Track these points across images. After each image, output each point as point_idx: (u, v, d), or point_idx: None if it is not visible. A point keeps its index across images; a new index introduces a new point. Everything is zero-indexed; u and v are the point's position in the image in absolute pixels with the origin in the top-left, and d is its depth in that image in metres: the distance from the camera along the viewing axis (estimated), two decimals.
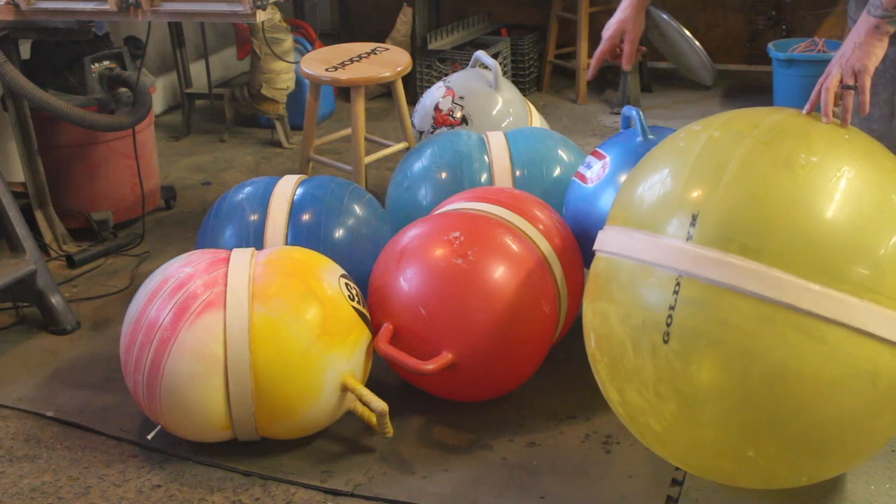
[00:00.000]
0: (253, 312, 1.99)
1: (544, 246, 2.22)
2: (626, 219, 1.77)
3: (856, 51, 1.72)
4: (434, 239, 2.16)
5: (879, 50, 1.72)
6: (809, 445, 1.64)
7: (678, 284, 1.61)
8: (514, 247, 2.15)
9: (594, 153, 2.41)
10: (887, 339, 1.56)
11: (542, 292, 2.15)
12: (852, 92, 1.70)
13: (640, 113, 2.39)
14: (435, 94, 3.21)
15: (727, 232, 1.59)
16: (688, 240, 1.61)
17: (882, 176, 1.65)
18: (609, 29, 2.18)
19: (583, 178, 2.39)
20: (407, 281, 2.13)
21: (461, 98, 3.13)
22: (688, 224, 1.62)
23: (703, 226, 1.61)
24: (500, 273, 2.10)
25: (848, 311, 1.54)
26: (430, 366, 2.05)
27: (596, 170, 2.36)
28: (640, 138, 2.35)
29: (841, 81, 1.73)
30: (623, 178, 2.29)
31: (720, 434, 1.65)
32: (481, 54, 3.29)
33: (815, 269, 1.54)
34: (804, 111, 1.75)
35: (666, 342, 1.62)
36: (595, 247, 1.84)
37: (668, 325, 1.62)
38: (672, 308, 1.61)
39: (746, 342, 1.57)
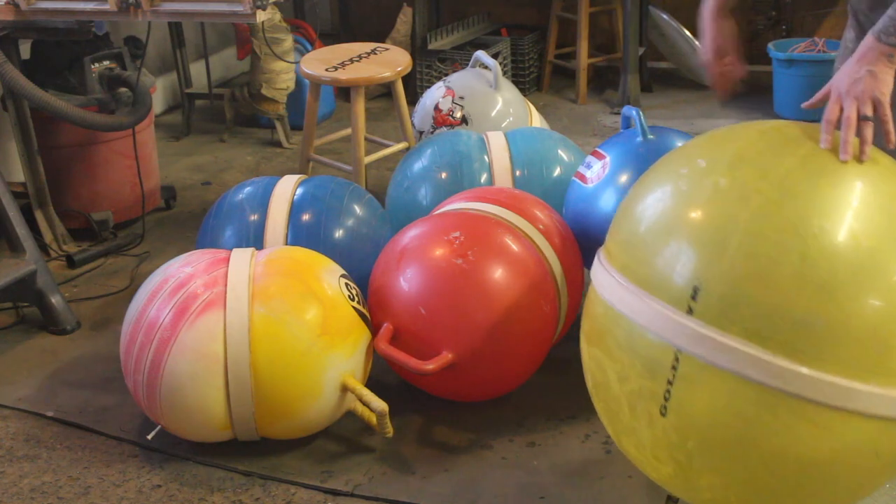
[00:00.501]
0: (253, 312, 1.99)
1: (544, 246, 2.22)
2: (625, 264, 1.64)
3: (868, 80, 1.58)
4: (434, 239, 2.16)
5: (891, 78, 1.60)
6: None
7: (677, 360, 1.52)
8: (515, 247, 2.15)
9: (594, 153, 2.41)
10: (892, 417, 1.49)
11: (542, 292, 2.15)
12: (871, 123, 1.57)
13: (640, 113, 2.38)
14: (435, 94, 3.21)
15: (730, 312, 1.47)
16: (688, 313, 1.50)
17: None
18: (707, 54, 2.03)
19: (583, 178, 2.39)
20: (407, 281, 2.13)
21: (461, 98, 3.14)
22: (689, 296, 1.50)
23: (705, 301, 1.49)
24: (500, 273, 2.10)
25: (854, 397, 1.45)
26: (430, 366, 2.05)
27: (596, 170, 2.36)
28: (639, 138, 2.35)
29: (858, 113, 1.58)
30: (623, 178, 2.29)
31: (717, 498, 1.62)
32: (481, 54, 3.29)
33: (822, 357, 1.44)
34: (822, 144, 1.55)
35: (664, 415, 1.55)
36: (592, 280, 1.74)
37: (666, 399, 1.54)
38: (670, 383, 1.53)
39: (746, 427, 1.50)
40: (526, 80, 4.70)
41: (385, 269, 2.20)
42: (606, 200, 2.29)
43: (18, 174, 3.20)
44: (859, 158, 1.54)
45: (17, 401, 2.37)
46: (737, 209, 1.50)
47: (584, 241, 2.32)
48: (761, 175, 1.52)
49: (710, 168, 1.58)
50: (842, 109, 1.59)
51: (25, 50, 3.13)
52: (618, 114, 4.39)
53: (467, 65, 3.40)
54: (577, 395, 2.26)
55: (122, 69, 3.16)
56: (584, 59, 4.57)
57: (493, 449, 2.12)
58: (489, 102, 3.14)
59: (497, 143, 2.70)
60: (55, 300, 2.68)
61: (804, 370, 1.44)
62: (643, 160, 2.30)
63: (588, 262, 2.35)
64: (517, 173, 2.64)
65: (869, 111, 1.57)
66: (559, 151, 2.71)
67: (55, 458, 2.15)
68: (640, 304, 1.56)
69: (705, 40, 2.00)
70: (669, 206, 1.60)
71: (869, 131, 1.56)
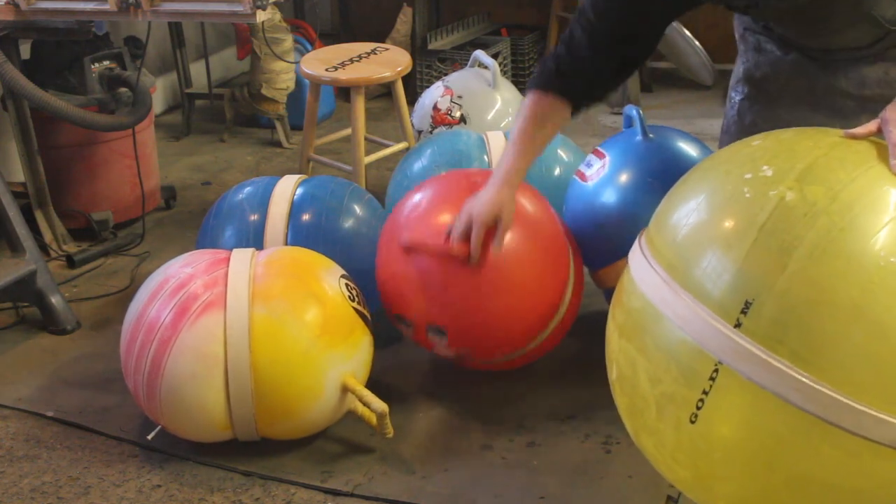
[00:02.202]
0: (253, 313, 1.99)
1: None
2: (671, 262, 1.57)
3: None
4: (455, 184, 2.24)
5: None
6: None
7: (716, 371, 1.48)
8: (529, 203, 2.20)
9: (594, 152, 2.42)
10: None
11: (557, 244, 2.20)
12: None
13: (641, 112, 2.38)
14: (434, 94, 3.21)
15: (780, 333, 1.43)
16: (736, 326, 1.46)
17: None
18: (479, 212, 2.03)
19: (582, 176, 2.40)
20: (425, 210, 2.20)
21: (459, 97, 3.14)
22: (739, 310, 1.45)
23: (756, 317, 1.44)
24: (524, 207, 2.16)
25: (891, 433, 1.41)
26: (454, 246, 2.04)
27: (596, 168, 2.36)
28: (639, 137, 2.35)
29: None
30: (623, 177, 2.29)
31: None
32: (480, 53, 3.30)
33: (865, 387, 1.41)
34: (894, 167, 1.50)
35: (693, 423, 1.51)
36: (630, 264, 1.68)
37: (699, 408, 1.50)
38: (706, 393, 1.49)
39: (777, 447, 1.47)
40: (526, 80, 4.68)
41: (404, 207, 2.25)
42: (605, 199, 2.29)
43: (18, 174, 3.20)
44: None
45: (17, 401, 2.37)
46: (802, 229, 1.44)
47: (583, 238, 2.32)
48: (832, 196, 1.46)
49: (776, 178, 1.51)
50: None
51: (25, 50, 3.13)
52: (618, 114, 4.39)
53: (467, 65, 3.41)
54: (577, 395, 2.26)
55: (122, 69, 3.16)
56: None
57: (493, 449, 2.12)
58: (488, 101, 3.14)
59: (497, 143, 2.70)
60: (55, 300, 2.68)
61: (849, 402, 1.40)
62: (643, 159, 2.30)
63: (587, 261, 2.37)
64: None
65: None
66: (559, 151, 2.71)
67: (55, 458, 2.15)
68: (685, 308, 1.51)
69: (486, 196, 2.06)
70: (729, 211, 1.54)
71: None
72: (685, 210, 1.59)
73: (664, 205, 1.66)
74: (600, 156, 2.37)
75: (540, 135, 2.01)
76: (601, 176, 2.33)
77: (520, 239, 2.12)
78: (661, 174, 2.17)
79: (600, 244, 2.27)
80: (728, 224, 1.51)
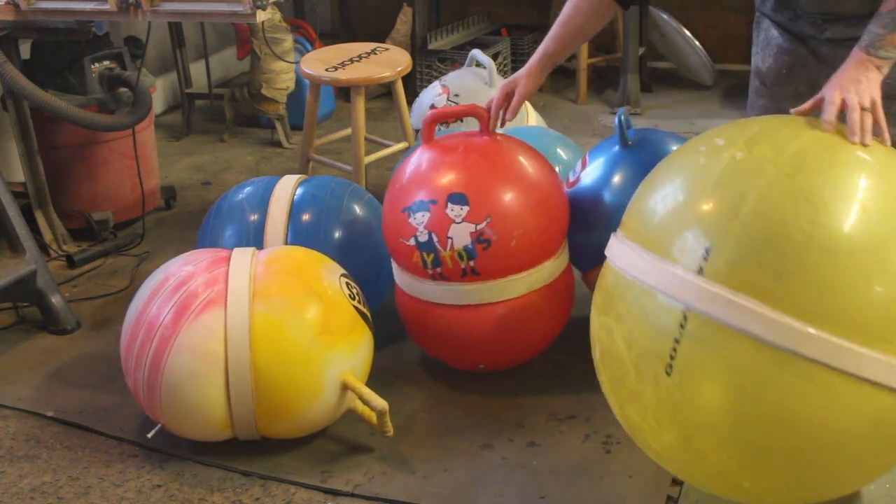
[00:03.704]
0: (253, 311, 1.99)
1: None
2: (638, 232, 1.71)
3: (865, 83, 1.74)
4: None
5: (879, 85, 1.77)
6: (806, 481, 1.62)
7: (685, 318, 1.57)
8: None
9: (582, 159, 2.45)
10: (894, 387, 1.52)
11: (555, 188, 2.27)
12: (870, 114, 1.70)
13: (625, 117, 2.37)
14: (431, 93, 3.21)
15: (739, 271, 1.52)
16: (699, 273, 1.56)
17: None
18: (505, 83, 2.26)
19: (568, 182, 2.44)
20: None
21: (456, 96, 3.13)
22: (700, 257, 1.56)
23: (716, 261, 1.55)
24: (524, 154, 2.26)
25: (856, 360, 1.48)
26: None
27: (578, 175, 2.40)
28: (616, 147, 2.36)
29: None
30: (601, 184, 2.33)
31: (717, 464, 1.64)
32: (477, 52, 3.30)
33: (826, 316, 1.48)
34: (824, 126, 1.68)
35: (668, 374, 1.59)
36: (606, 252, 1.80)
37: (672, 357, 1.58)
38: (677, 341, 1.57)
39: (748, 384, 1.53)
40: None
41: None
42: (587, 205, 2.33)
43: (18, 174, 3.20)
44: (863, 142, 1.65)
45: (17, 401, 2.37)
46: (752, 178, 1.57)
47: (571, 243, 2.36)
48: (778, 150, 1.60)
49: (728, 145, 1.66)
50: (843, 101, 1.71)
51: (25, 50, 3.13)
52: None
53: (464, 64, 3.41)
54: (577, 395, 2.27)
55: (122, 69, 3.16)
56: (584, 59, 4.57)
57: (493, 449, 2.12)
58: (484, 100, 3.13)
59: None
60: (55, 300, 2.68)
61: (811, 330, 1.48)
62: (620, 167, 2.32)
63: (577, 262, 2.39)
64: None
65: (868, 105, 1.70)
66: (558, 150, 2.71)
67: (55, 458, 2.15)
68: (650, 266, 1.62)
69: (514, 76, 2.27)
70: (686, 177, 1.68)
71: (869, 120, 1.68)
72: (650, 190, 1.74)
73: (636, 193, 1.79)
74: (584, 164, 2.41)
75: (575, 21, 2.16)
76: (581, 183, 2.37)
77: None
78: (636, 182, 2.18)
79: (587, 247, 2.29)
80: (685, 188, 1.66)
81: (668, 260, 1.61)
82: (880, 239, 1.52)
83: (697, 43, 4.63)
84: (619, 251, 1.72)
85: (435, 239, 2.14)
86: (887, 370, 1.50)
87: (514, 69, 4.64)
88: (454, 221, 2.13)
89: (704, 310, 1.54)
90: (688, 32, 4.60)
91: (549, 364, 2.37)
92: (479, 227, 2.13)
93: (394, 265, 2.32)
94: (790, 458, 1.57)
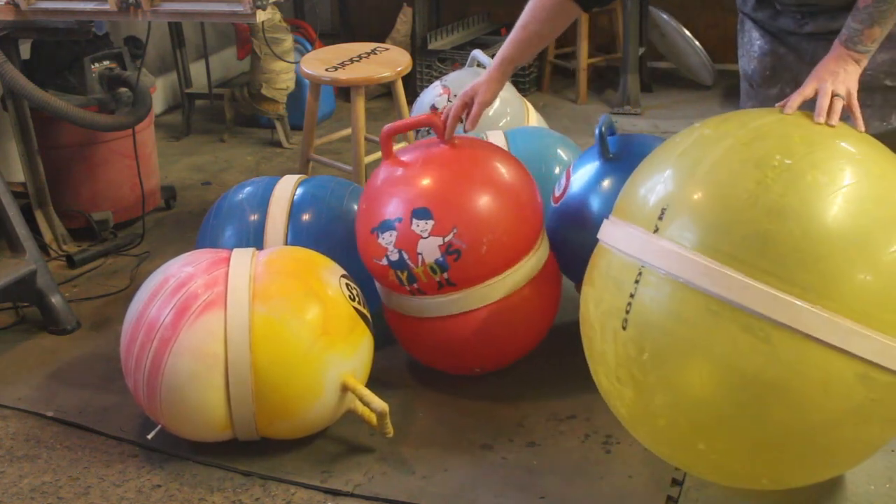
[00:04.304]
0: (253, 312, 1.99)
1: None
2: (618, 208, 1.82)
3: (847, 76, 1.81)
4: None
5: (857, 78, 1.83)
6: (761, 446, 1.63)
7: (640, 274, 1.67)
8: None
9: (566, 172, 2.43)
10: (839, 347, 1.53)
11: (529, 189, 2.26)
12: (842, 100, 1.77)
13: (605, 128, 2.34)
14: (432, 94, 3.21)
15: (687, 228, 1.62)
16: (655, 232, 1.66)
17: (861, 185, 1.61)
18: (464, 92, 2.26)
19: (553, 197, 2.43)
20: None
21: (456, 97, 3.13)
22: (657, 217, 1.67)
23: (670, 220, 1.65)
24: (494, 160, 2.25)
25: (794, 314, 1.53)
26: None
27: (562, 189, 2.40)
28: (596, 162, 2.34)
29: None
30: (581, 199, 2.32)
31: (670, 424, 1.69)
32: (478, 53, 3.30)
33: (766, 269, 1.54)
34: (786, 110, 1.76)
35: (624, 329, 1.68)
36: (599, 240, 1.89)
37: (627, 312, 1.68)
38: (632, 296, 1.67)
39: (694, 336, 1.60)
40: (526, 79, 4.70)
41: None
42: (571, 220, 2.32)
43: (18, 174, 3.20)
44: (828, 122, 1.73)
45: (17, 401, 2.37)
46: (712, 147, 1.69)
47: (560, 256, 2.36)
48: (742, 125, 1.71)
49: (700, 125, 1.79)
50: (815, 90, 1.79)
51: (25, 50, 3.13)
52: (618, 113, 4.40)
53: (466, 64, 3.41)
54: (577, 395, 2.26)
55: (122, 69, 3.16)
56: (584, 59, 4.58)
57: (493, 449, 2.12)
58: None
59: (497, 142, 2.70)
60: (55, 300, 2.68)
61: (746, 280, 1.55)
62: (600, 182, 2.31)
63: (572, 274, 2.40)
64: None
65: (842, 93, 1.77)
66: (559, 150, 2.71)
67: (55, 458, 2.16)
68: (617, 230, 1.75)
69: (472, 84, 2.27)
70: (660, 154, 1.81)
71: (839, 105, 1.75)
72: (634, 174, 1.85)
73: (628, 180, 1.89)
74: (568, 177, 2.40)
75: (532, 26, 2.18)
76: (564, 198, 2.37)
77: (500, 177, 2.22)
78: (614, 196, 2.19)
79: (578, 261, 2.28)
80: (657, 162, 1.79)
81: (630, 222, 1.72)
82: (820, 205, 1.57)
83: (697, 43, 4.63)
84: (604, 228, 1.83)
85: (405, 256, 2.14)
86: (830, 328, 1.53)
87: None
88: (421, 237, 2.12)
89: (656, 264, 1.64)
90: (688, 32, 4.60)
91: (548, 364, 2.37)
92: (446, 239, 2.12)
93: (375, 283, 2.33)
94: (733, 413, 1.60)
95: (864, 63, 1.84)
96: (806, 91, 1.79)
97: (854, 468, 1.91)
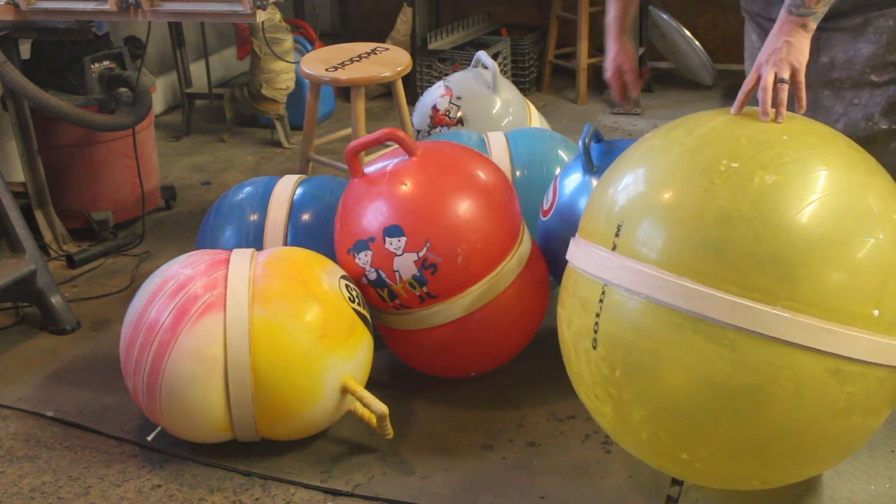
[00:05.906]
0: (253, 315, 1.99)
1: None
2: (582, 227, 1.83)
3: (786, 48, 1.74)
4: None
5: (807, 46, 1.76)
6: (742, 451, 1.63)
7: (603, 293, 1.67)
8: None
9: (554, 184, 2.42)
10: (805, 345, 1.53)
11: (507, 191, 2.26)
12: (787, 86, 1.72)
13: (589, 139, 2.32)
14: (434, 94, 3.21)
15: (642, 242, 1.62)
16: (613, 249, 1.66)
17: (808, 181, 1.59)
18: (608, 70, 2.23)
19: (542, 210, 2.42)
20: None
21: (458, 98, 3.13)
22: (613, 234, 1.67)
23: (625, 236, 1.65)
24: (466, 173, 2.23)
25: (755, 318, 1.52)
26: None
27: (550, 204, 2.39)
28: (579, 174, 2.33)
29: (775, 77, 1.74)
30: (565, 213, 2.31)
31: (651, 437, 1.68)
32: (482, 55, 3.29)
33: (723, 277, 1.53)
34: (732, 111, 1.73)
35: (595, 348, 1.69)
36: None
37: (595, 331, 1.68)
38: (598, 315, 1.67)
39: (661, 350, 1.59)
40: (526, 80, 4.70)
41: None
42: (558, 234, 2.30)
43: (18, 174, 3.20)
44: (776, 120, 1.69)
45: (17, 401, 2.37)
46: (661, 157, 1.69)
47: (552, 269, 2.35)
48: (689, 132, 1.70)
49: (650, 136, 1.79)
50: (759, 79, 1.74)
51: (25, 50, 3.13)
52: (618, 114, 4.40)
53: (467, 65, 3.40)
54: (577, 395, 2.26)
55: (122, 69, 3.16)
56: (584, 59, 4.58)
57: (493, 449, 2.12)
58: (487, 103, 3.14)
59: (497, 143, 2.70)
60: (55, 300, 2.68)
61: (705, 289, 1.54)
62: (585, 196, 2.28)
63: (554, 275, 2.39)
64: (517, 173, 2.64)
65: (786, 75, 1.72)
66: (559, 151, 2.71)
67: (55, 458, 2.16)
68: (579, 250, 1.78)
69: (608, 58, 2.22)
70: (615, 169, 1.81)
71: (784, 94, 1.71)
72: (594, 191, 1.85)
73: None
74: (555, 190, 2.39)
75: None
76: (551, 212, 2.37)
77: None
78: None
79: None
80: (612, 177, 1.78)
81: (591, 241, 1.73)
82: (770, 206, 1.55)
83: (697, 43, 4.63)
84: (570, 249, 1.83)
85: (383, 275, 2.15)
86: (794, 328, 1.52)
87: (515, 69, 4.66)
88: (395, 254, 2.12)
89: (616, 282, 1.64)
90: (688, 32, 4.60)
91: (548, 364, 2.36)
92: (420, 254, 2.11)
93: None
94: (709, 423, 1.59)
95: (813, 25, 1.76)
96: (748, 85, 1.75)
97: (853, 469, 1.91)
